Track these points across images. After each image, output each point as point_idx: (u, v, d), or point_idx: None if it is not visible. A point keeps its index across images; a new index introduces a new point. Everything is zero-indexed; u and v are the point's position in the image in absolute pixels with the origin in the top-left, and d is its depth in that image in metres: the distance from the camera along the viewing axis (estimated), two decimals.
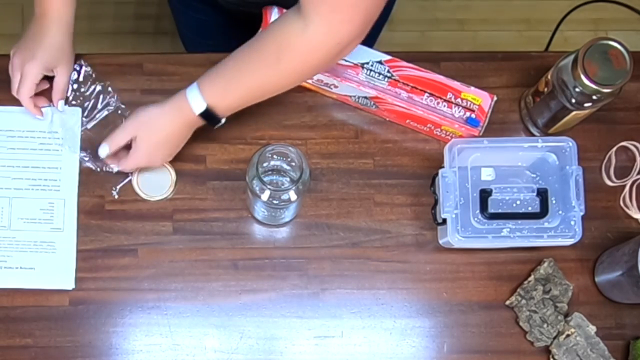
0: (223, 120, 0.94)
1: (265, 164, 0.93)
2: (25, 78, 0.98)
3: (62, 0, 0.98)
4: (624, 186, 1.05)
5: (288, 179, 0.95)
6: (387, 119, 1.05)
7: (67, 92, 1.03)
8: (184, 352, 0.99)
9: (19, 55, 0.99)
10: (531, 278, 1.00)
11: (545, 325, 0.99)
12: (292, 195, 0.89)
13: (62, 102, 1.02)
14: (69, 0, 0.98)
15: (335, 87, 1.02)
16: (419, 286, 1.02)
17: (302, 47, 0.83)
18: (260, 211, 0.98)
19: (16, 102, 1.04)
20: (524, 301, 0.99)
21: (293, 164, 0.92)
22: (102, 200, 1.02)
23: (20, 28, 1.94)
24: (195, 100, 0.91)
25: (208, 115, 0.91)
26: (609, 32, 1.96)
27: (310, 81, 1.03)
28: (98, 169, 1.02)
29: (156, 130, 0.95)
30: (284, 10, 0.98)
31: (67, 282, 1.00)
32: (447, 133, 1.02)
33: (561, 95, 0.95)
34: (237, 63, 0.89)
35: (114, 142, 0.97)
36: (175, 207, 1.03)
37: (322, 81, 1.02)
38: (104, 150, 0.97)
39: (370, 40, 1.27)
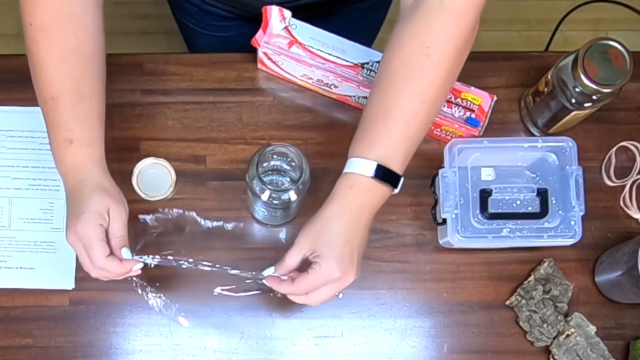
0: (402, 180, 0.81)
1: (265, 164, 0.93)
2: (88, 247, 0.81)
3: (83, 144, 0.83)
4: (624, 186, 1.05)
5: (288, 179, 0.95)
6: None
7: (125, 236, 0.85)
8: (184, 352, 0.99)
9: (71, 231, 0.81)
10: (531, 278, 1.00)
11: (545, 325, 0.99)
12: (292, 195, 0.89)
13: (125, 249, 0.84)
14: (93, 138, 0.84)
15: (335, 87, 1.02)
16: (419, 286, 1.02)
17: (447, 24, 0.77)
18: (260, 211, 0.98)
19: (16, 102, 1.05)
20: (524, 301, 0.99)
21: (293, 164, 0.92)
22: None
23: (20, 28, 1.94)
24: (359, 166, 0.79)
25: (384, 173, 0.79)
26: (609, 32, 1.96)
27: (310, 81, 1.03)
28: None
29: (334, 231, 0.79)
30: (284, 10, 0.99)
31: (67, 282, 1.00)
32: (447, 133, 1.02)
33: (561, 95, 0.95)
34: (377, 102, 0.79)
35: (285, 262, 0.82)
36: (175, 207, 1.03)
37: (322, 81, 1.02)
38: (268, 271, 0.83)
39: (369, 40, 1.27)
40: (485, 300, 1.01)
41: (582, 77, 0.91)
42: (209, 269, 0.87)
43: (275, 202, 0.90)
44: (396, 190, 0.82)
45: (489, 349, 1.00)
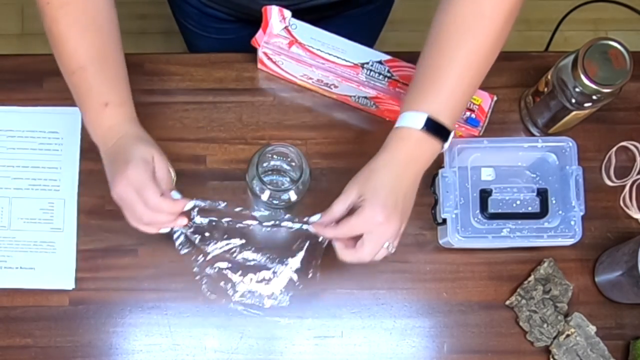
0: (451, 135, 0.83)
1: (265, 164, 0.93)
2: (142, 189, 0.81)
3: (118, 105, 0.86)
4: (624, 186, 1.05)
5: (288, 179, 0.95)
6: (387, 119, 1.05)
7: (171, 181, 0.87)
8: (184, 352, 0.99)
9: (121, 180, 0.81)
10: (531, 278, 1.00)
11: (545, 325, 0.99)
12: (292, 195, 0.89)
13: (175, 191, 0.86)
14: (125, 98, 0.87)
15: (335, 87, 1.02)
16: (419, 286, 1.02)
17: None
18: (260, 211, 0.98)
19: (16, 102, 1.05)
20: (524, 301, 0.99)
21: (293, 164, 0.92)
22: (102, 201, 1.02)
23: (20, 28, 1.94)
24: (410, 119, 0.80)
25: (434, 126, 0.80)
26: (609, 32, 1.96)
27: (310, 81, 1.03)
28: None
29: (381, 179, 0.80)
30: (284, 10, 0.99)
31: (67, 282, 1.00)
32: None
33: (561, 95, 0.95)
34: (429, 59, 0.82)
35: (332, 209, 0.82)
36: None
37: (322, 81, 1.02)
38: (314, 218, 0.84)
39: (370, 41, 1.27)
40: (485, 300, 1.01)
41: (582, 77, 0.91)
42: (255, 222, 0.88)
43: (275, 202, 0.90)
44: (446, 146, 0.83)
45: (489, 349, 1.00)
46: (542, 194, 0.96)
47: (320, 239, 0.86)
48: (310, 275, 0.89)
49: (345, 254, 0.82)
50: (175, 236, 0.89)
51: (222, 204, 0.87)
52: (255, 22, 1.00)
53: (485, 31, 0.81)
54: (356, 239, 0.81)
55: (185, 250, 0.90)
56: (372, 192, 0.80)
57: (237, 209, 0.87)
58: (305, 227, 0.85)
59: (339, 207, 0.82)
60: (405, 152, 0.82)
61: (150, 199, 0.81)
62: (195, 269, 0.92)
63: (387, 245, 0.82)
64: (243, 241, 0.91)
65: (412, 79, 0.85)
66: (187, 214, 0.86)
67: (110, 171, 0.85)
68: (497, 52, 0.84)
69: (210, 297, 0.94)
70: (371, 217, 0.79)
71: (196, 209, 0.87)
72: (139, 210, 0.82)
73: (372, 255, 0.81)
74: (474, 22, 0.81)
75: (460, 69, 0.81)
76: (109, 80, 0.86)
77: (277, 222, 0.87)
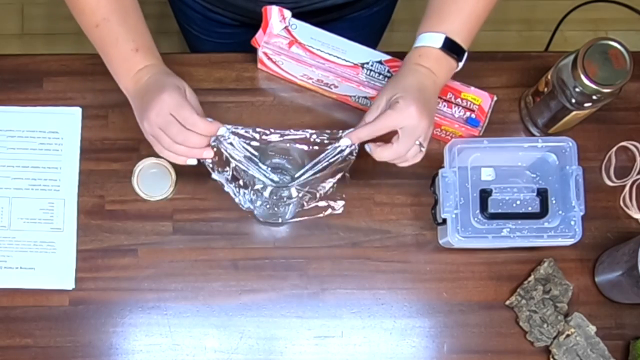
0: (465, 55, 0.89)
1: (267, 162, 0.93)
2: (179, 108, 0.83)
3: (147, 48, 0.89)
4: (624, 186, 1.05)
5: (289, 176, 0.95)
6: None
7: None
8: (184, 352, 0.99)
9: (156, 103, 0.83)
10: (531, 278, 1.00)
11: (545, 325, 0.99)
12: (294, 192, 0.90)
13: (209, 119, 0.86)
14: (152, 43, 0.91)
15: (335, 87, 1.02)
16: (419, 286, 1.02)
17: None
18: (261, 209, 0.98)
19: (16, 102, 1.05)
20: (524, 301, 0.99)
21: (294, 162, 0.92)
22: (102, 200, 1.02)
23: (20, 28, 1.94)
24: (428, 39, 0.87)
25: (451, 44, 0.87)
26: (609, 32, 1.96)
27: (310, 81, 1.03)
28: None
29: (409, 81, 0.86)
30: (284, 10, 0.99)
31: (67, 282, 1.00)
32: (447, 133, 1.02)
33: (561, 95, 0.95)
34: None
35: (364, 120, 0.87)
36: (175, 207, 1.03)
37: (322, 81, 1.02)
38: (347, 132, 0.86)
39: (373, 43, 1.27)
40: (485, 300, 1.01)
41: (582, 77, 0.91)
42: (292, 136, 0.88)
43: (276, 198, 0.90)
44: (460, 65, 0.89)
45: (489, 349, 1.00)
46: (542, 194, 0.96)
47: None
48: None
49: (381, 151, 0.86)
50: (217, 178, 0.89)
51: (256, 130, 0.87)
52: (259, 26, 1.00)
53: None
54: (388, 139, 0.86)
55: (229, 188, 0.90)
56: (403, 91, 0.84)
57: (287, 137, 0.88)
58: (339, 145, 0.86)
59: (371, 115, 0.86)
60: (425, 66, 0.87)
61: (187, 116, 0.83)
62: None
63: (419, 143, 0.86)
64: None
65: (428, 3, 0.89)
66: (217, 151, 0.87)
67: (141, 105, 0.87)
68: None
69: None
70: (405, 108, 0.83)
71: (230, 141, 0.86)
72: (174, 130, 0.83)
73: (407, 148, 0.85)
74: None
75: None
76: (133, 29, 0.90)
77: (313, 136, 0.87)
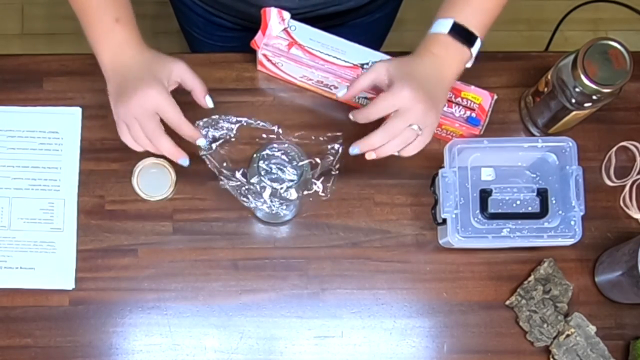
0: (479, 41, 0.88)
1: (265, 163, 0.93)
2: (187, 80, 0.86)
3: (128, 22, 0.88)
4: (624, 186, 1.05)
5: (288, 177, 0.95)
6: None
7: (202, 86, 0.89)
8: (184, 352, 0.99)
9: (152, 83, 0.84)
10: (531, 278, 1.00)
11: (545, 325, 0.99)
12: (293, 193, 0.90)
13: (209, 97, 0.89)
14: (133, 19, 0.89)
15: (335, 88, 1.02)
16: (419, 286, 1.02)
17: None
18: (261, 210, 0.98)
19: (16, 102, 1.05)
20: (524, 301, 0.99)
21: (294, 162, 0.92)
22: (102, 200, 1.02)
23: (20, 28, 1.94)
24: (437, 25, 0.87)
25: (459, 29, 0.86)
26: (609, 32, 1.96)
27: (310, 82, 1.03)
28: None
29: (412, 67, 0.86)
30: (283, 12, 0.99)
31: (67, 282, 1.00)
32: (448, 132, 1.02)
33: (561, 95, 0.95)
34: None
35: (358, 81, 0.88)
36: (175, 207, 1.03)
37: (322, 82, 1.02)
38: (341, 91, 0.89)
39: (376, 44, 1.27)
40: (485, 300, 1.01)
41: (582, 77, 0.91)
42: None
43: (275, 199, 0.90)
44: (474, 53, 0.88)
45: (489, 349, 1.00)
46: (542, 194, 0.96)
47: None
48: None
49: (375, 138, 0.85)
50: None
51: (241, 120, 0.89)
52: None
53: None
54: None
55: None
56: (401, 75, 0.84)
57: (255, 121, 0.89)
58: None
59: (365, 80, 0.87)
60: (433, 53, 0.86)
61: (174, 118, 0.84)
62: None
63: (416, 128, 0.85)
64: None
65: None
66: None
67: (119, 87, 0.85)
68: None
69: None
70: (399, 91, 0.83)
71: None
72: (150, 126, 0.84)
73: (396, 129, 0.84)
74: None
75: None
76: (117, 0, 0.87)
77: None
